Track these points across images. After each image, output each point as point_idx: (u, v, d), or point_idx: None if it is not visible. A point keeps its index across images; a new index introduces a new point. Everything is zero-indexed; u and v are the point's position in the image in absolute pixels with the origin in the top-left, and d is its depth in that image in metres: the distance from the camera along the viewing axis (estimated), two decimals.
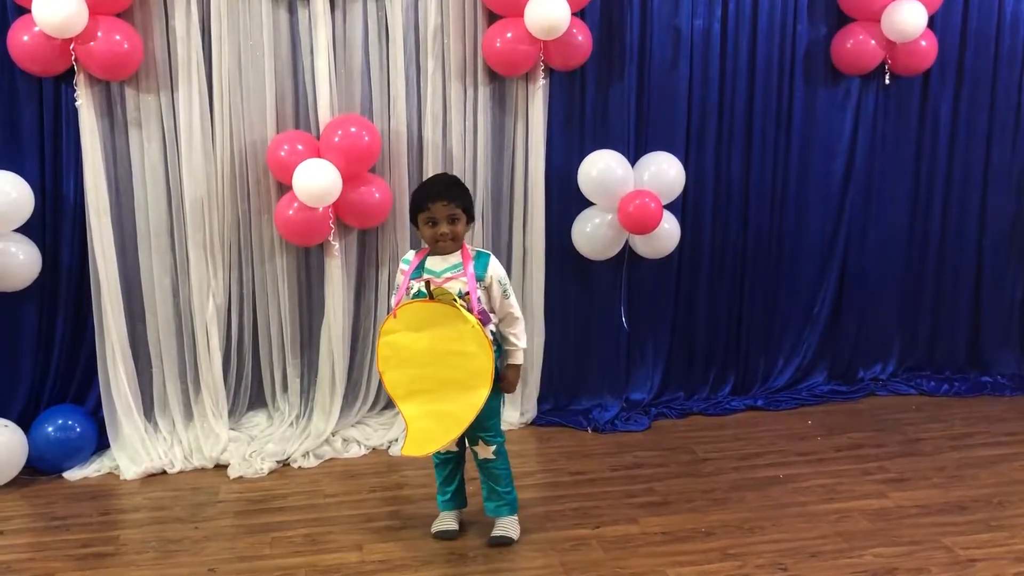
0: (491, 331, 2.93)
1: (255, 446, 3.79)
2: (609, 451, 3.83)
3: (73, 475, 3.64)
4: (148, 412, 3.84)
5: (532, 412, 4.13)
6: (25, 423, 3.65)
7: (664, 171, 3.93)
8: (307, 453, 3.77)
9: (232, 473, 3.64)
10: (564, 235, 4.03)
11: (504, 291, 2.95)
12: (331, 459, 3.79)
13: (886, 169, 4.39)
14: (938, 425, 4.08)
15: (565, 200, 4.01)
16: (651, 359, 4.30)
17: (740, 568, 2.89)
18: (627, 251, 4.07)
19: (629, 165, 3.92)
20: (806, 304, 4.45)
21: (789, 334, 4.45)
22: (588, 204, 3.97)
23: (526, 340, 3.04)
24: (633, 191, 3.86)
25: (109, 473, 3.67)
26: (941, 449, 3.82)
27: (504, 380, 2.98)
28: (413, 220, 3.01)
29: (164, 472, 3.67)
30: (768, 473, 3.60)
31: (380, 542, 3.10)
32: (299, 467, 3.72)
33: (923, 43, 4.12)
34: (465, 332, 2.80)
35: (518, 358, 3.02)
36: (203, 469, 3.71)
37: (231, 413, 3.92)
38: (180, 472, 3.68)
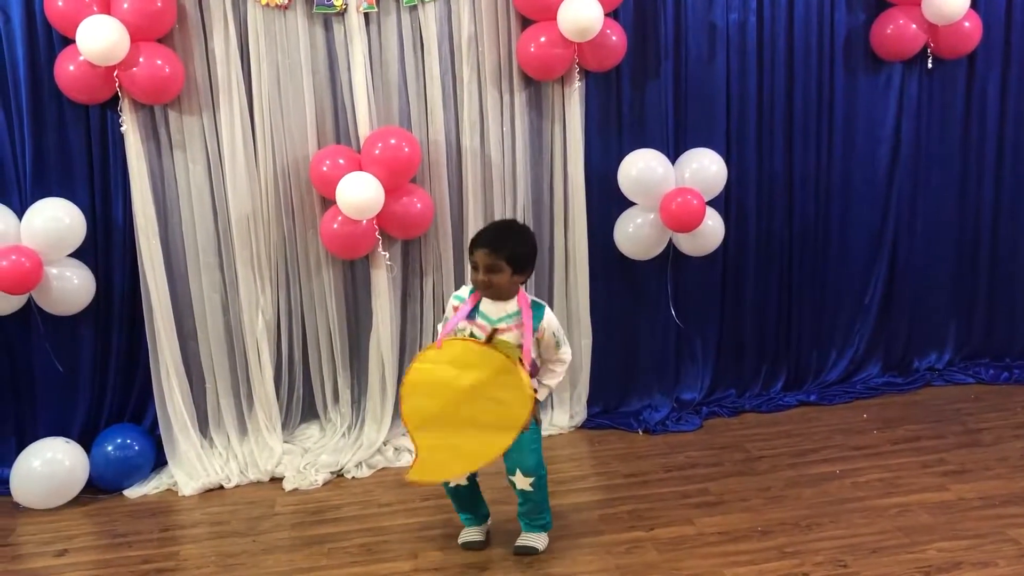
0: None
1: (309, 458, 3.84)
2: (661, 452, 3.81)
3: (133, 493, 3.72)
4: (203, 428, 3.90)
5: (582, 415, 4.12)
6: (85, 443, 3.74)
7: (705, 167, 3.89)
8: (360, 463, 3.81)
9: (287, 486, 3.68)
10: (607, 236, 4.01)
11: (557, 342, 2.95)
12: (384, 468, 3.82)
13: (933, 154, 4.30)
14: (999, 414, 3.98)
15: (606, 201, 3.99)
16: (701, 358, 4.26)
17: (799, 567, 2.85)
18: (671, 250, 4.04)
19: (669, 163, 3.89)
20: (856, 295, 4.37)
21: (840, 326, 4.38)
22: (629, 204, 3.95)
23: (559, 381, 3.04)
24: (675, 189, 3.83)
25: (168, 490, 3.74)
26: (1003, 439, 3.73)
27: None
28: None
29: (221, 487, 3.73)
30: (824, 469, 3.54)
31: (435, 550, 3.11)
32: (353, 477, 3.75)
33: (966, 24, 4.03)
34: (512, 385, 2.79)
35: (541, 394, 2.99)
36: (259, 483, 3.76)
37: (284, 426, 3.97)
38: (236, 486, 3.74)
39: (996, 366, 4.44)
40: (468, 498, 3.12)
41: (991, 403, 4.12)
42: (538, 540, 3.06)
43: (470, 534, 3.13)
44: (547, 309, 2.96)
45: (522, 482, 2.99)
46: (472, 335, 2.90)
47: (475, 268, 2.90)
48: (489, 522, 3.18)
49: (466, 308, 2.94)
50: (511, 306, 2.91)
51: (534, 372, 2.94)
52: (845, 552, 2.92)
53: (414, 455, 2.95)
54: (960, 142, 4.32)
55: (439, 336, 2.94)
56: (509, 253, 2.86)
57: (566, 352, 3.00)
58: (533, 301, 2.96)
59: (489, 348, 2.83)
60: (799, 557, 2.91)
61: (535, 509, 3.05)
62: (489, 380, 2.80)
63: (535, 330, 2.89)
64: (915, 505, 3.20)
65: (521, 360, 2.86)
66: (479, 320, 2.91)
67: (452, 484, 3.06)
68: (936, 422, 3.94)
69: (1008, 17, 4.22)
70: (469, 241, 3.01)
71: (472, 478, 3.07)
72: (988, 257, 4.45)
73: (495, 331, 2.88)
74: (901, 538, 2.99)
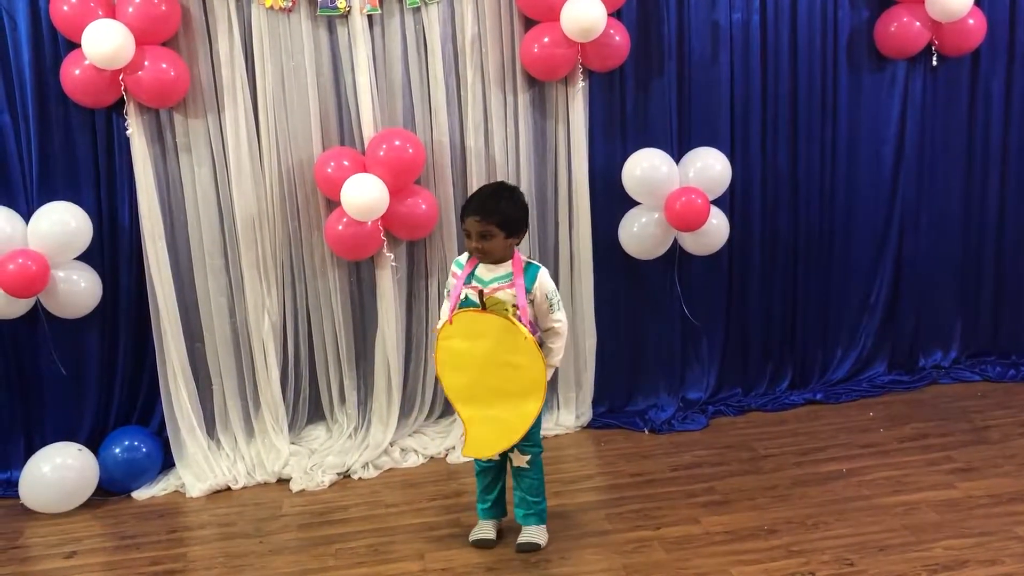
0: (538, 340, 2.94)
1: (315, 459, 3.84)
2: (667, 451, 3.81)
3: (141, 494, 3.73)
4: (211, 430, 3.91)
5: (587, 415, 4.12)
6: (93, 445, 3.75)
7: (710, 166, 3.89)
8: (366, 464, 3.81)
9: (294, 487, 3.69)
10: (611, 236, 4.01)
11: (551, 304, 2.94)
12: (390, 469, 3.83)
13: (938, 152, 4.29)
14: (1006, 411, 3.97)
15: (610, 201, 3.99)
16: (706, 357, 4.26)
17: (805, 565, 2.85)
18: (677, 249, 4.04)
19: (673, 162, 3.89)
20: (862, 293, 4.37)
21: (846, 325, 4.37)
22: (634, 204, 3.95)
23: (561, 358, 3.03)
24: (679, 188, 3.83)
25: (175, 491, 3.75)
26: (1010, 436, 3.72)
27: None
28: None
29: (228, 488, 3.74)
30: (831, 467, 3.54)
31: (442, 550, 3.12)
32: (359, 478, 3.76)
33: (971, 21, 4.02)
34: (518, 344, 2.81)
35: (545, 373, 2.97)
36: (266, 484, 3.77)
37: (291, 428, 3.98)
38: (244, 488, 3.75)
39: (1002, 363, 4.44)
40: (494, 479, 3.11)
41: (998, 400, 4.11)
42: (539, 534, 3.06)
43: (482, 531, 3.14)
44: (542, 270, 2.95)
45: (518, 459, 3.02)
46: (467, 298, 2.92)
47: (468, 236, 2.91)
48: (502, 520, 3.18)
49: (464, 274, 2.95)
50: (503, 268, 2.92)
51: (533, 333, 2.90)
52: (851, 551, 2.92)
53: (463, 432, 2.98)
54: (965, 139, 4.31)
55: (447, 309, 2.95)
56: (500, 218, 2.87)
57: (559, 319, 2.96)
58: (527, 262, 2.95)
59: (487, 314, 2.84)
60: (806, 555, 2.91)
61: (532, 491, 3.05)
62: (497, 345, 2.82)
63: (528, 290, 2.90)
64: (922, 503, 3.20)
65: (519, 318, 2.85)
66: (474, 283, 2.93)
67: (484, 460, 3.08)
68: (943, 420, 3.93)
69: (1012, 14, 4.21)
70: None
71: (503, 455, 3.08)
72: (993, 254, 4.44)
73: (481, 292, 2.88)
74: (907, 536, 2.98)
